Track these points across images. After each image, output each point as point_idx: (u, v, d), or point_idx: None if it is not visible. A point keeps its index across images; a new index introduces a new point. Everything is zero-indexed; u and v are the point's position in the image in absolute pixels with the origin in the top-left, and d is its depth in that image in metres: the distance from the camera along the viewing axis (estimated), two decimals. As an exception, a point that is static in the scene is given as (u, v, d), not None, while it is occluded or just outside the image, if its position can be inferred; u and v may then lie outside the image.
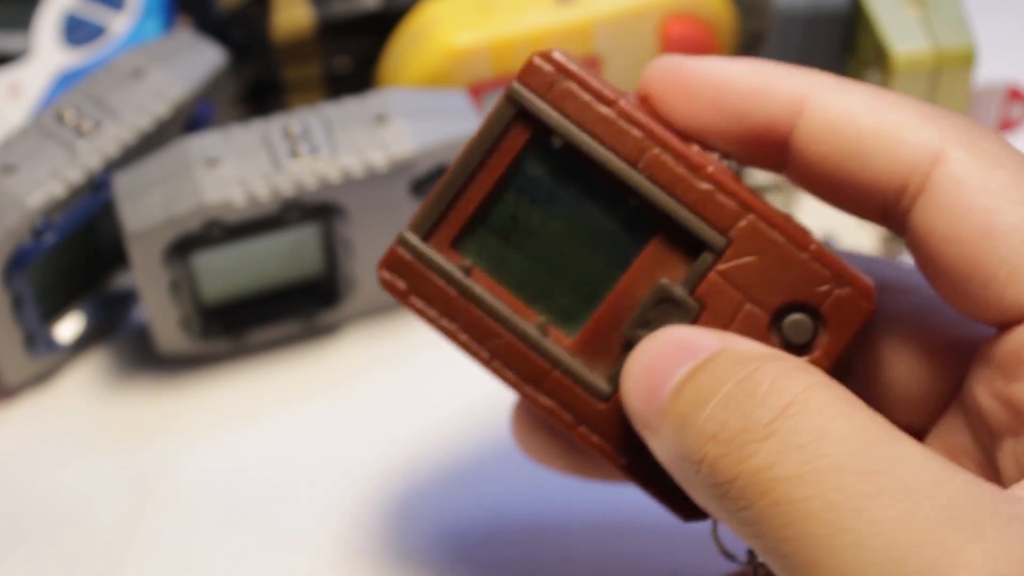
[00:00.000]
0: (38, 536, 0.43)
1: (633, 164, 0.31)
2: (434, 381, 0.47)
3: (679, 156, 0.31)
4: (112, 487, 0.44)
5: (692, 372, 0.30)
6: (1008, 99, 0.53)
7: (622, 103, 0.31)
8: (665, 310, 0.32)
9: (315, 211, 0.44)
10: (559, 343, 0.32)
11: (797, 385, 0.28)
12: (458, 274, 0.32)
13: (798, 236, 0.31)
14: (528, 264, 0.32)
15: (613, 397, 0.32)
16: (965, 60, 0.48)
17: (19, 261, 0.43)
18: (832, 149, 0.30)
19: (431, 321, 0.32)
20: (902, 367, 0.33)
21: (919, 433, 0.32)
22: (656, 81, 0.32)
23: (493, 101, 0.49)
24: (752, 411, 0.28)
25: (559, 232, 0.32)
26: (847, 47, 0.50)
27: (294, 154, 0.43)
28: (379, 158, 0.44)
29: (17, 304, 0.44)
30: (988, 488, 0.26)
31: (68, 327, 0.47)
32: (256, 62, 0.50)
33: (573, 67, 0.31)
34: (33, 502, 0.44)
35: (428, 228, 0.32)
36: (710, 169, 0.31)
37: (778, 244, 0.32)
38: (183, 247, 0.43)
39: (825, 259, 0.31)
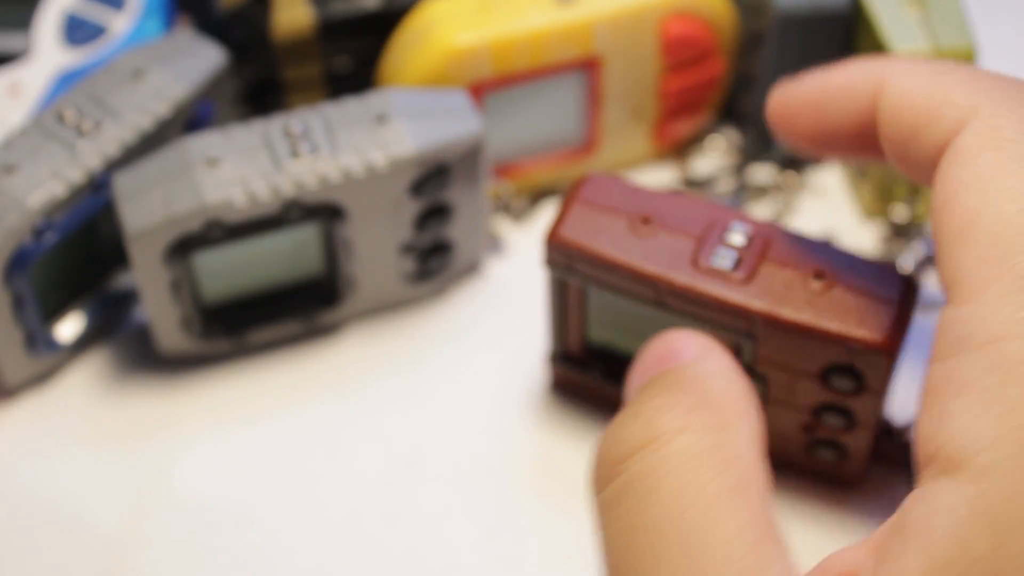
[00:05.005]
0: (38, 536, 0.43)
1: (656, 301, 0.37)
2: (434, 381, 0.47)
3: (686, 290, 0.36)
4: (112, 487, 0.44)
5: (651, 381, 0.32)
6: (1008, 99, 0.53)
7: (633, 263, 0.37)
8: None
9: (315, 211, 0.44)
10: None
11: (666, 423, 0.29)
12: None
13: (805, 317, 0.35)
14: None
15: None
16: (965, 60, 0.48)
17: (19, 261, 0.43)
18: (898, 128, 0.31)
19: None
20: None
21: None
22: (777, 108, 0.35)
23: (491, 103, 0.49)
24: (622, 438, 0.30)
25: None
26: (847, 47, 0.50)
27: (294, 154, 0.44)
28: (379, 158, 0.44)
29: (17, 304, 0.44)
30: None
31: (68, 327, 0.47)
32: (256, 62, 0.50)
33: (582, 241, 0.38)
34: (33, 502, 0.44)
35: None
36: (715, 294, 0.36)
37: (792, 331, 0.35)
38: (183, 247, 0.43)
39: (834, 331, 0.35)
